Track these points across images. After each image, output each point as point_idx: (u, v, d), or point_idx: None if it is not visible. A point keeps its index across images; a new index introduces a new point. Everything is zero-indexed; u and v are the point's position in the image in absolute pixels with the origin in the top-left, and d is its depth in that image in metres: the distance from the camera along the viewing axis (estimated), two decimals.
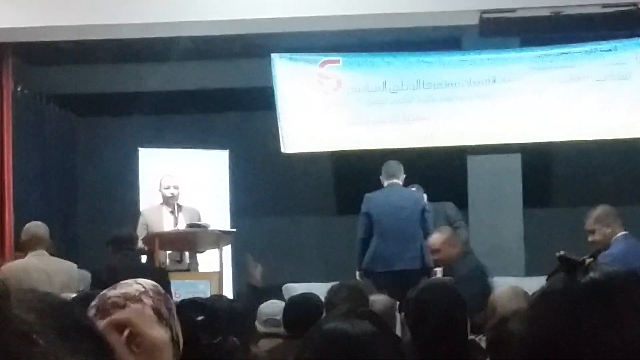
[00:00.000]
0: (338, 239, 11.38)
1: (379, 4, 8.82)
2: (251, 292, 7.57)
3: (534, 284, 7.32)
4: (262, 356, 5.49)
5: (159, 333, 2.53)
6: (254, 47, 10.30)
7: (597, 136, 10.09)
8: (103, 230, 10.00)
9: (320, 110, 10.30)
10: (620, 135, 10.02)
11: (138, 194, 10.86)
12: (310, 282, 10.42)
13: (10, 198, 9.65)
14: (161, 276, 7.39)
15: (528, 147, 10.74)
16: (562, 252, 1.58)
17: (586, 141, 10.20)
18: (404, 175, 9.44)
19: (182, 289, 7.90)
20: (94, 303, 2.68)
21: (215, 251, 9.00)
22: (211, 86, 11.97)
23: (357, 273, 9.18)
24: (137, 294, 2.66)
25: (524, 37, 10.22)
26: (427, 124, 10.27)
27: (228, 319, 4.86)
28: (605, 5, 8.72)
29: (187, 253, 9.20)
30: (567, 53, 10.08)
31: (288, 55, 10.22)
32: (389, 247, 8.93)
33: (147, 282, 2.74)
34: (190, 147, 11.31)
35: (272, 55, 10.14)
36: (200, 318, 3.07)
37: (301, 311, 5.42)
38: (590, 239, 7.37)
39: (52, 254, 7.74)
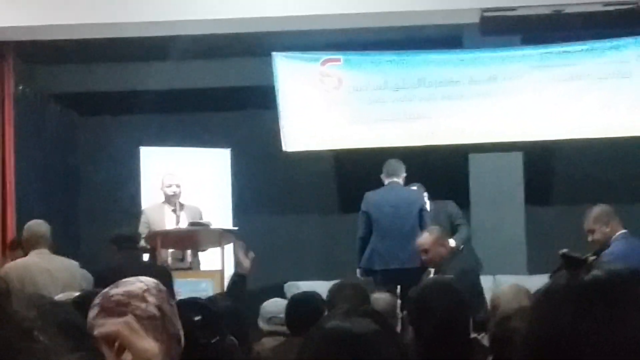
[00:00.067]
0: (340, 237, 11.39)
1: (380, 3, 8.82)
2: (240, 282, 7.50)
3: (536, 282, 7.34)
4: (265, 354, 5.50)
5: (148, 344, 2.54)
6: (255, 46, 10.30)
7: (599, 134, 10.09)
8: (104, 229, 10.00)
9: (322, 109, 10.30)
10: (621, 134, 10.02)
11: (139, 193, 10.86)
12: (312, 280, 10.44)
13: (12, 197, 9.65)
14: (164, 275, 7.38)
15: (530, 146, 10.74)
16: (565, 250, 1.58)
17: (588, 139, 10.20)
18: (405, 174, 9.45)
19: (184, 288, 7.90)
20: (96, 302, 2.68)
21: (217, 250, 9.00)
22: (212, 85, 11.97)
23: (358, 271, 9.20)
24: (140, 292, 2.67)
25: (525, 35, 10.21)
26: (428, 122, 10.27)
27: (228, 317, 4.87)
28: (606, 4, 8.71)
29: (189, 251, 9.21)
30: (568, 51, 10.08)
31: (289, 53, 10.22)
32: (386, 246, 8.95)
33: (149, 280, 2.74)
34: (192, 146, 11.32)
35: (273, 53, 10.15)
36: (197, 318, 3.07)
37: (303, 309, 5.42)
38: (590, 238, 7.36)
39: (53, 253, 7.74)
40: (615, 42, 9.93)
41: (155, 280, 2.76)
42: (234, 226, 9.93)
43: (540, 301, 1.56)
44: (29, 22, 8.93)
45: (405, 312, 4.89)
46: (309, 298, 5.74)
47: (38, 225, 7.71)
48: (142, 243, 8.62)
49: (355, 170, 11.16)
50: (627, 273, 1.51)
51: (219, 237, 9.00)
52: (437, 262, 8.20)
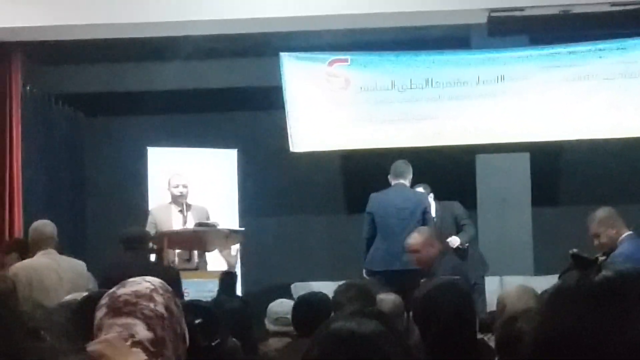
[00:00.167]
0: (346, 237, 11.38)
1: (388, 3, 8.81)
2: (228, 280, 7.49)
3: (543, 282, 7.34)
4: (271, 355, 5.50)
5: None
6: (263, 46, 10.29)
7: (606, 135, 10.08)
8: (112, 229, 10.01)
9: (329, 109, 10.30)
10: (629, 134, 10.01)
11: (147, 193, 10.88)
12: (319, 280, 10.44)
13: (20, 197, 9.66)
14: (172, 275, 7.40)
15: (537, 146, 10.73)
16: (575, 250, 1.58)
17: (595, 140, 10.19)
18: (412, 176, 9.46)
19: (191, 288, 7.91)
20: (103, 302, 2.68)
21: None
22: (220, 85, 11.98)
23: (364, 272, 9.21)
24: (147, 291, 2.67)
25: (532, 35, 10.20)
26: (435, 122, 10.26)
27: (233, 319, 4.87)
28: (614, 4, 8.70)
29: (195, 252, 9.21)
30: (575, 52, 10.07)
31: (296, 54, 10.22)
32: (389, 247, 8.96)
33: (155, 280, 2.75)
34: (199, 146, 11.33)
35: (281, 54, 10.15)
36: (198, 321, 3.07)
37: (310, 310, 5.42)
38: (596, 243, 7.28)
39: (59, 253, 7.74)
40: (622, 42, 9.92)
41: (160, 280, 2.76)
42: (240, 227, 9.94)
43: (550, 301, 1.55)
44: (36, 22, 8.94)
45: (411, 313, 4.89)
46: (316, 299, 5.73)
47: (44, 226, 7.71)
48: (150, 244, 8.63)
49: (362, 171, 11.16)
50: (637, 273, 1.51)
51: (226, 238, 9.00)
52: (427, 262, 8.22)
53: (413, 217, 9.08)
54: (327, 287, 7.42)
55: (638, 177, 11.62)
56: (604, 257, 1.55)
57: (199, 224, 9.15)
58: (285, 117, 10.17)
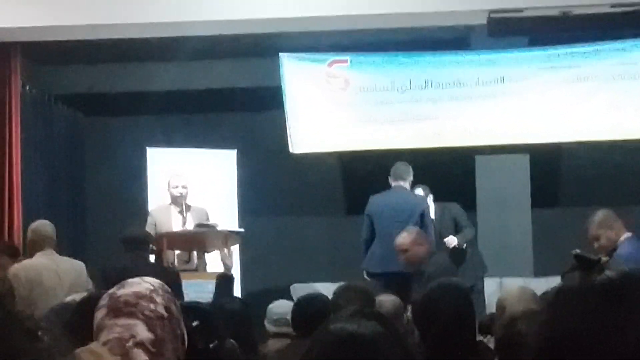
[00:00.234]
0: (346, 239, 11.38)
1: (387, 4, 8.81)
2: (225, 282, 7.48)
3: (543, 284, 7.34)
4: (270, 356, 5.50)
5: None
6: (262, 47, 10.29)
7: (606, 136, 10.07)
8: (111, 229, 10.01)
9: (328, 110, 10.29)
10: (629, 136, 10.00)
11: (146, 194, 10.87)
12: (318, 282, 10.45)
13: (19, 197, 9.66)
14: (173, 276, 7.40)
15: (536, 147, 10.73)
16: (578, 251, 1.58)
17: (595, 141, 10.18)
18: (412, 178, 9.48)
19: (190, 289, 7.90)
20: (103, 302, 2.68)
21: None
22: (219, 86, 11.98)
23: (365, 273, 9.22)
24: (147, 292, 2.67)
25: (532, 36, 10.20)
26: (435, 123, 10.25)
27: (232, 320, 4.86)
28: (613, 5, 8.70)
29: (195, 253, 9.21)
30: (575, 53, 10.06)
31: (296, 54, 10.21)
32: (386, 249, 8.95)
33: (154, 281, 2.75)
34: (199, 147, 11.33)
35: (280, 54, 10.14)
36: (195, 323, 3.07)
37: (309, 311, 5.41)
38: (595, 245, 7.26)
39: (57, 253, 7.73)
40: (622, 43, 9.91)
41: (159, 281, 2.76)
42: (240, 227, 9.94)
43: (554, 301, 1.55)
44: (36, 22, 8.94)
45: (410, 315, 4.89)
46: (315, 300, 5.73)
47: (43, 226, 7.70)
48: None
49: (362, 172, 11.16)
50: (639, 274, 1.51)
51: (225, 239, 9.00)
52: (416, 262, 8.25)
53: (410, 220, 9.09)
54: (327, 288, 7.42)
55: (638, 179, 11.62)
56: (606, 258, 1.56)
57: (199, 225, 9.15)
58: (284, 118, 10.16)
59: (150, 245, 8.31)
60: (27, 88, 10.58)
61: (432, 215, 9.72)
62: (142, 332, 2.60)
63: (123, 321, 2.61)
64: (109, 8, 8.85)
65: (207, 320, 3.54)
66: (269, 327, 6.11)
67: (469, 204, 10.88)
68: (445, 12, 8.83)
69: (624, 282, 1.48)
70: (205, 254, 9.25)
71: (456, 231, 9.88)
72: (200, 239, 9.08)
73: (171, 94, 11.81)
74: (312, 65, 10.25)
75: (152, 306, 2.64)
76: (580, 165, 11.73)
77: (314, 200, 12.60)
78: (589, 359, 1.43)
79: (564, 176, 12.46)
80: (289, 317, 5.78)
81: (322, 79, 10.23)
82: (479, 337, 4.96)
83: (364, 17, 8.90)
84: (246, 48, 10.73)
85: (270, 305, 6.29)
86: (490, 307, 7.90)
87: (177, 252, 9.12)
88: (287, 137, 10.18)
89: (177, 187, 9.43)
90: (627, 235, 7.38)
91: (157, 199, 10.30)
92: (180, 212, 9.34)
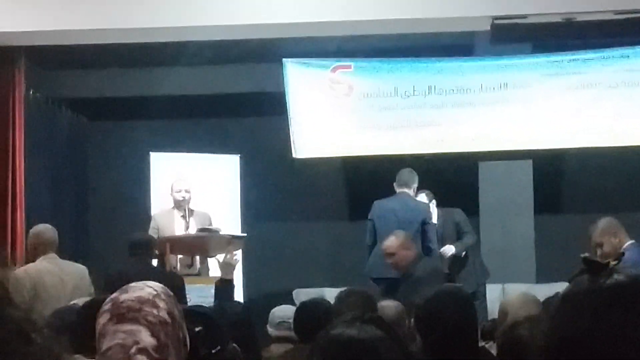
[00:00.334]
0: (349, 244, 11.38)
1: (391, 10, 8.81)
2: (225, 288, 7.46)
3: (545, 290, 7.33)
4: None
5: None
6: (266, 52, 10.29)
7: (609, 143, 10.06)
8: (114, 233, 10.02)
9: (332, 116, 10.30)
10: (632, 142, 9.99)
11: (149, 198, 10.88)
12: (321, 287, 10.45)
13: (22, 202, 9.66)
14: (177, 281, 7.40)
15: (539, 154, 10.72)
16: (586, 254, 1.58)
17: (598, 148, 10.18)
18: (417, 184, 9.50)
19: (192, 294, 7.90)
20: (105, 307, 2.67)
21: None
22: (223, 91, 11.98)
23: (370, 278, 9.22)
24: (150, 297, 2.66)
25: (535, 43, 10.20)
26: (438, 129, 10.25)
27: (235, 325, 4.86)
28: (617, 12, 8.70)
29: (197, 257, 9.21)
30: (579, 59, 10.06)
31: (300, 60, 10.22)
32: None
33: (157, 285, 2.74)
34: (202, 152, 11.34)
35: (284, 60, 10.15)
36: (198, 329, 3.07)
37: (312, 316, 5.41)
38: (598, 252, 7.26)
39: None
40: (626, 50, 9.91)
41: (162, 285, 2.76)
42: (243, 232, 9.94)
43: (562, 304, 1.56)
44: (40, 27, 8.95)
45: (412, 320, 4.89)
46: (318, 305, 5.73)
47: (46, 231, 7.70)
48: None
49: (365, 177, 11.16)
50: None
51: (228, 244, 9.00)
52: (404, 265, 8.26)
53: (412, 226, 9.11)
54: (330, 294, 7.42)
55: None
56: (615, 262, 1.56)
57: (202, 230, 9.15)
58: (288, 123, 10.17)
59: (154, 250, 8.31)
60: (31, 92, 10.59)
61: (435, 220, 9.73)
62: (145, 338, 2.59)
63: (126, 327, 2.60)
64: (114, 13, 8.86)
65: (211, 324, 3.53)
66: (272, 330, 6.11)
67: (472, 210, 10.88)
68: (449, 18, 8.83)
69: (632, 286, 1.48)
70: (208, 258, 9.25)
71: (457, 237, 9.89)
72: (203, 244, 9.08)
73: (175, 99, 11.82)
74: (315, 70, 10.26)
75: (155, 311, 2.63)
76: (584, 172, 11.72)
77: (317, 206, 12.60)
78: None
79: (567, 182, 12.45)
80: (291, 320, 5.78)
81: (326, 85, 10.23)
82: (481, 343, 4.96)
83: (367, 23, 8.90)
84: (250, 53, 10.74)
85: (273, 309, 6.29)
86: (493, 312, 7.91)
87: (179, 256, 9.12)
88: (290, 142, 10.19)
89: (180, 191, 9.43)
90: (630, 242, 7.39)
91: (160, 204, 10.30)
92: (183, 217, 9.35)
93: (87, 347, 2.88)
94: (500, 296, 9.56)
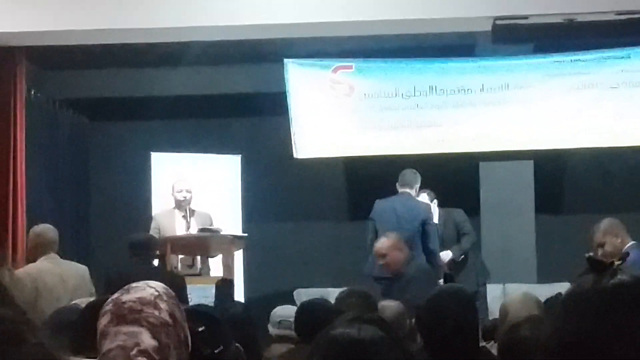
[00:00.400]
0: (350, 244, 11.38)
1: (392, 10, 8.81)
2: (225, 287, 7.46)
3: (546, 290, 7.33)
4: None
5: None
6: (267, 52, 10.30)
7: (610, 143, 10.07)
8: (115, 234, 10.02)
9: (333, 116, 10.30)
10: (633, 143, 10.00)
11: (150, 198, 10.88)
12: (321, 287, 10.44)
13: (23, 202, 9.66)
14: (178, 281, 7.40)
15: (541, 154, 10.73)
16: (591, 254, 1.58)
17: (599, 148, 10.18)
18: (419, 185, 9.50)
19: (194, 294, 7.91)
20: (107, 308, 2.67)
21: None
22: (224, 91, 11.98)
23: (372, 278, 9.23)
24: (152, 298, 2.66)
25: (537, 43, 10.20)
26: (439, 130, 10.26)
27: (236, 324, 4.85)
28: (618, 13, 8.70)
29: (198, 257, 9.21)
30: (580, 60, 10.06)
31: (301, 60, 10.22)
32: None
33: (159, 285, 2.74)
34: (203, 152, 11.33)
35: (285, 60, 10.15)
36: (201, 329, 3.06)
37: (312, 316, 5.41)
38: (600, 252, 7.26)
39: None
40: (627, 51, 9.91)
41: (163, 285, 2.76)
42: (243, 232, 9.94)
43: (566, 303, 1.56)
44: (41, 27, 8.95)
45: (414, 320, 4.89)
46: (318, 305, 5.73)
47: (47, 230, 7.70)
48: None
49: (366, 178, 11.16)
50: None
51: (229, 244, 9.00)
52: (394, 266, 8.27)
53: (411, 226, 9.11)
54: (330, 294, 7.42)
55: None
56: (620, 262, 1.56)
57: (203, 230, 9.15)
58: (289, 124, 10.17)
59: (155, 250, 8.32)
60: (32, 92, 10.60)
61: (436, 220, 9.73)
62: (147, 340, 2.59)
63: (127, 329, 2.60)
64: (115, 13, 8.86)
65: (213, 324, 3.53)
66: (272, 330, 6.11)
67: (473, 210, 10.88)
68: (450, 19, 8.83)
69: (637, 286, 1.49)
70: (209, 258, 9.25)
71: (458, 238, 9.91)
72: (204, 244, 9.09)
73: (176, 99, 11.82)
74: (316, 71, 10.26)
75: (156, 313, 2.63)
76: (585, 172, 11.72)
77: (318, 206, 12.59)
78: None
79: (568, 183, 12.45)
80: (292, 319, 5.77)
81: (327, 85, 10.24)
82: (482, 343, 4.96)
83: (368, 24, 8.90)
84: (251, 54, 10.74)
85: (274, 309, 6.29)
86: (494, 313, 7.90)
87: (180, 256, 9.12)
88: (291, 142, 10.19)
89: (181, 191, 9.44)
90: (632, 243, 7.38)
91: (161, 204, 10.30)
92: (184, 217, 9.35)
93: (90, 347, 2.88)
94: (501, 296, 9.56)
